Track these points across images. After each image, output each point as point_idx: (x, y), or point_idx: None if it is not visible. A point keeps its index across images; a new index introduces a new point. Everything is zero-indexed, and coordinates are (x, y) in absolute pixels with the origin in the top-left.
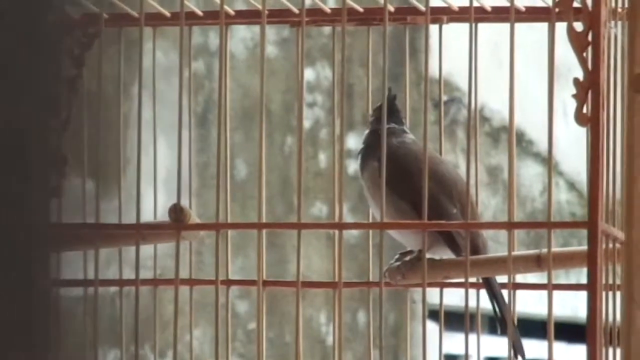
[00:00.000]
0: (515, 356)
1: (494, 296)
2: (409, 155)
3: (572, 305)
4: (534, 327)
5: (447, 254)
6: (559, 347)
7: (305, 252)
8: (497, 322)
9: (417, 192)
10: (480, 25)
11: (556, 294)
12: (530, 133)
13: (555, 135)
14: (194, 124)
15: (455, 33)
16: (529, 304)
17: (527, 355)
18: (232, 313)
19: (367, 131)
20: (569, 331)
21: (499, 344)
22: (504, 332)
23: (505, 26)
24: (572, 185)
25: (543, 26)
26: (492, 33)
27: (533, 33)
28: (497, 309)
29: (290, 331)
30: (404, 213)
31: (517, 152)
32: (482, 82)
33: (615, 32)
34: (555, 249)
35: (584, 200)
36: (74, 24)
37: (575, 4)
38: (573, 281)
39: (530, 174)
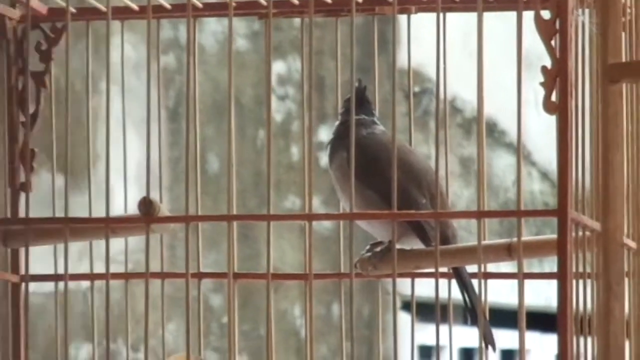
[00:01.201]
0: (486, 346)
1: (464, 286)
2: (377, 145)
3: (545, 295)
4: (507, 317)
5: (417, 245)
6: (533, 336)
7: (278, 244)
8: (467, 313)
9: (385, 182)
10: (452, 16)
11: (530, 283)
12: (502, 123)
13: (526, 125)
14: (165, 118)
15: (426, 23)
16: (502, 293)
17: (500, 346)
18: (206, 306)
19: (337, 123)
20: (542, 321)
21: (472, 335)
22: (474, 323)
23: (475, 15)
24: (544, 175)
25: (512, 15)
26: (463, 23)
27: (503, 22)
28: (467, 299)
29: (264, 324)
30: (372, 203)
31: (489, 142)
32: (454, 73)
33: (582, 20)
34: (526, 237)
35: (556, 189)
36: (41, 19)
37: None
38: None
39: (502, 164)
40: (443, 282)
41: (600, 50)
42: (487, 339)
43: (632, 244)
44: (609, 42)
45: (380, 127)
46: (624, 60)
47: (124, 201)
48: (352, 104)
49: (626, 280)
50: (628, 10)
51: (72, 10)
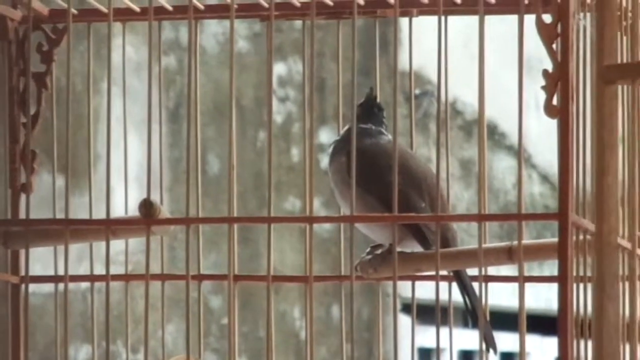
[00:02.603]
0: (487, 349)
1: (465, 289)
2: (377, 150)
3: (545, 298)
4: (508, 320)
5: (417, 247)
6: (533, 339)
7: (278, 246)
8: (468, 315)
9: (384, 187)
10: (453, 18)
11: (530, 286)
12: (502, 126)
13: (527, 128)
14: (165, 119)
15: (427, 26)
16: (502, 296)
17: (501, 348)
18: (206, 308)
19: (345, 127)
20: (542, 324)
21: (472, 337)
22: (475, 325)
23: (477, 19)
24: (545, 178)
25: (514, 18)
26: (464, 26)
27: (505, 25)
28: (467, 302)
29: (264, 326)
30: (371, 207)
31: (490, 145)
32: (455, 76)
33: (584, 24)
34: (526, 241)
35: (556, 192)
36: (43, 20)
37: None
38: (547, 273)
39: (503, 166)
40: (443, 284)
41: (596, 52)
42: (488, 342)
43: (628, 245)
44: (604, 44)
45: (387, 137)
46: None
47: (124, 202)
48: (354, 110)
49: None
50: (629, 14)
51: (74, 11)
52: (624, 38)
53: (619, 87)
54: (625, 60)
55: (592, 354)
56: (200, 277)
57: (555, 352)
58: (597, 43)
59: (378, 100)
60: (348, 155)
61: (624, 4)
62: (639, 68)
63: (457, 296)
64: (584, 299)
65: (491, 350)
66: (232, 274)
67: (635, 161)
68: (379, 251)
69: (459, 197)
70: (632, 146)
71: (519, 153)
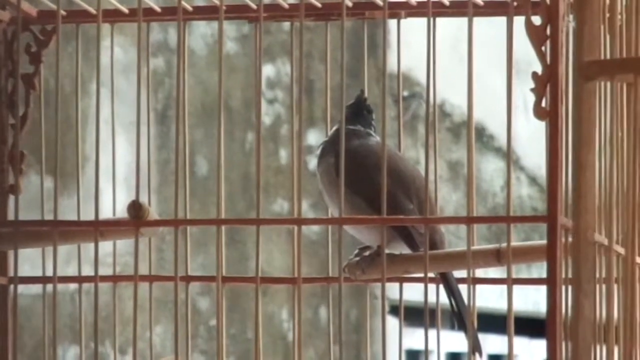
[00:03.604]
0: (473, 352)
1: (452, 292)
2: (365, 152)
3: (533, 300)
4: (496, 322)
5: (406, 249)
6: (521, 342)
7: (266, 248)
8: (455, 318)
9: (372, 188)
10: (441, 20)
11: (518, 289)
12: (491, 128)
13: (516, 130)
14: (154, 120)
15: (416, 28)
16: (490, 299)
17: (489, 350)
18: (194, 310)
19: (334, 128)
20: (531, 326)
21: (460, 340)
22: (460, 328)
23: (466, 21)
24: (533, 180)
25: (503, 21)
26: (453, 28)
27: (493, 28)
28: (454, 305)
29: (252, 327)
30: (359, 209)
31: (478, 147)
32: (443, 78)
33: (573, 26)
34: (515, 243)
35: (545, 194)
36: (31, 21)
37: None
38: (535, 276)
39: (491, 168)
40: (432, 286)
41: (576, 48)
42: (474, 345)
43: (604, 241)
44: (584, 40)
45: (375, 139)
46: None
47: (112, 204)
48: (343, 110)
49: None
50: (619, 16)
51: (62, 12)
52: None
53: (599, 83)
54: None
55: (569, 350)
56: (188, 279)
57: (543, 354)
58: (577, 39)
59: (367, 102)
60: (336, 156)
61: (607, 1)
62: (618, 64)
63: (446, 298)
64: (572, 301)
65: (477, 354)
66: (221, 275)
67: (613, 158)
68: (367, 253)
69: (447, 199)
70: (611, 142)
71: (507, 155)
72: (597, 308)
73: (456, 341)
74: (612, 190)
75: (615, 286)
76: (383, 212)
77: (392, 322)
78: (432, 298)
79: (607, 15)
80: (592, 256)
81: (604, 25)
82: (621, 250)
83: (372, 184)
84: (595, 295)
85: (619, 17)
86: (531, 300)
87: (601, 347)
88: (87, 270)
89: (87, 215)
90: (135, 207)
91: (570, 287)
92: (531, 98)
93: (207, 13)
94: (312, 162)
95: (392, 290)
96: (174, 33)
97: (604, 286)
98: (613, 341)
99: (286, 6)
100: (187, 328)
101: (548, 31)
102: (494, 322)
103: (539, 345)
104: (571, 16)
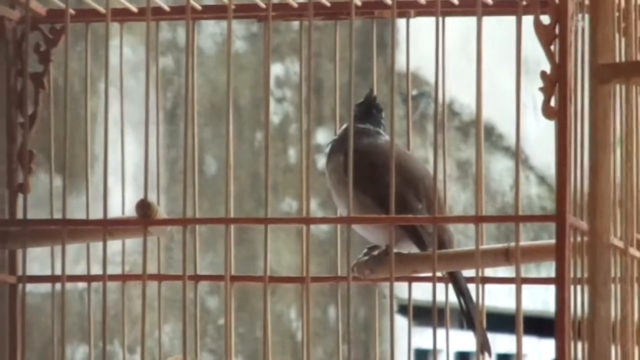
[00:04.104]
0: (482, 352)
1: (460, 291)
2: (374, 150)
3: (542, 300)
4: (505, 322)
5: (414, 249)
6: (530, 341)
7: (275, 247)
8: (463, 317)
9: (381, 187)
10: (450, 19)
11: (527, 288)
12: (500, 127)
13: (525, 130)
14: (163, 119)
15: (425, 27)
16: (499, 298)
17: (498, 350)
18: (203, 309)
19: (343, 127)
20: (539, 325)
21: (469, 339)
22: (469, 327)
23: (475, 20)
24: (542, 180)
25: (512, 20)
26: (462, 27)
27: (502, 27)
28: (463, 304)
29: (260, 326)
30: (367, 208)
31: (487, 146)
32: (452, 77)
33: (582, 25)
34: (523, 242)
35: (554, 194)
36: (40, 20)
37: None
38: (544, 275)
39: (500, 168)
40: (440, 286)
41: (590, 51)
42: (483, 345)
43: (620, 244)
44: (598, 43)
45: (384, 137)
46: None
47: (121, 203)
48: (351, 109)
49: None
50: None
51: (71, 11)
52: (622, 39)
53: (614, 86)
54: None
55: (585, 353)
56: (197, 278)
57: (552, 353)
58: (591, 42)
59: (377, 101)
60: (345, 154)
61: (622, 4)
62: (633, 67)
63: (454, 297)
64: (581, 300)
65: (486, 354)
66: (229, 274)
67: (630, 160)
68: (375, 252)
69: (456, 198)
70: (627, 145)
71: (516, 154)
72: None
73: (465, 340)
74: (628, 192)
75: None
76: (391, 212)
77: (401, 322)
78: (440, 297)
79: (620, 17)
80: (608, 259)
81: (618, 28)
82: (636, 252)
83: (380, 183)
84: (611, 298)
85: (633, 18)
86: (540, 299)
87: (616, 349)
88: (96, 269)
89: (96, 214)
90: (144, 206)
91: (579, 287)
92: (540, 97)
93: (216, 12)
94: (321, 161)
95: (401, 289)
96: (183, 32)
97: (618, 287)
98: (634, 343)
99: (295, 5)
100: (195, 327)
101: (557, 30)
102: (502, 322)
103: (548, 345)
104: (580, 15)
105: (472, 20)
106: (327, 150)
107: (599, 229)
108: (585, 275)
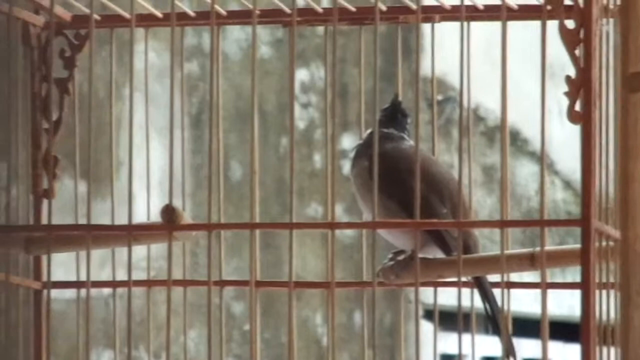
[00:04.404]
0: (507, 357)
1: (486, 296)
2: (399, 156)
3: (568, 304)
4: (531, 327)
5: (439, 254)
6: (555, 346)
7: (300, 252)
8: (489, 322)
9: (406, 192)
10: (475, 24)
11: (553, 293)
12: (525, 132)
13: (550, 134)
14: (188, 125)
15: (449, 32)
16: (525, 303)
17: (524, 355)
18: (228, 314)
19: (368, 132)
20: (565, 330)
21: (494, 344)
22: (494, 332)
23: (499, 25)
24: (567, 184)
25: (536, 24)
26: (486, 32)
27: (527, 31)
28: (488, 309)
29: (285, 332)
30: (392, 212)
31: (512, 151)
32: (477, 82)
33: (607, 30)
34: (549, 247)
35: (579, 199)
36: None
37: (567, 2)
38: (569, 280)
39: (525, 172)
40: (465, 291)
41: (620, 60)
42: (508, 349)
43: None
44: (629, 51)
45: (408, 142)
46: None
47: (146, 208)
48: (376, 114)
49: None
50: None
51: (96, 17)
52: None
53: None
54: None
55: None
56: (222, 283)
57: (577, 359)
58: (622, 51)
59: (402, 106)
60: (370, 159)
61: None
62: None
63: (480, 302)
64: (606, 305)
65: (511, 358)
66: (254, 279)
67: None
68: (401, 257)
69: (482, 203)
70: None
71: (541, 159)
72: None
73: (490, 345)
74: None
75: None
76: (416, 216)
77: (426, 327)
78: (466, 302)
79: None
80: None
81: None
82: None
83: (405, 187)
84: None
85: None
86: (566, 304)
87: None
88: (121, 275)
89: (121, 219)
90: (169, 211)
91: (605, 292)
92: (565, 102)
93: (241, 18)
94: (346, 166)
95: (426, 294)
96: (207, 37)
97: None
98: None
99: (320, 10)
100: (220, 332)
101: (581, 35)
102: (528, 327)
103: (574, 350)
104: (604, 20)
105: (496, 25)
106: (352, 155)
107: (631, 237)
108: (612, 280)
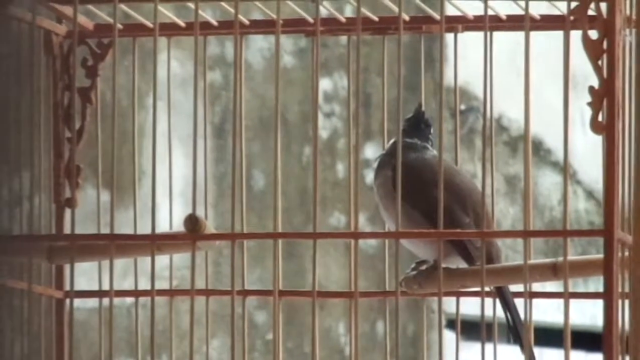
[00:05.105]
0: None
1: (508, 306)
2: (422, 165)
3: (590, 314)
4: (553, 336)
5: (462, 264)
6: (578, 356)
7: (324, 262)
8: (511, 332)
9: (429, 202)
10: (498, 34)
11: (575, 302)
12: (548, 142)
13: (573, 144)
14: (211, 134)
15: (473, 42)
16: (547, 312)
17: None
18: (251, 323)
19: (391, 141)
20: (587, 340)
21: (516, 354)
22: (516, 342)
23: (523, 35)
24: (590, 194)
25: (560, 34)
26: (510, 42)
27: (551, 42)
28: (510, 319)
29: (308, 341)
30: (416, 222)
31: (535, 161)
32: (500, 91)
33: (630, 40)
34: (571, 257)
35: (602, 209)
36: (88, 34)
37: (590, 12)
38: (592, 290)
39: (548, 182)
40: (488, 301)
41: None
42: (530, 359)
43: None
44: None
45: (432, 152)
46: None
47: (169, 218)
48: (400, 124)
49: None
50: None
51: (119, 26)
52: None
53: None
54: None
55: None
56: (245, 293)
57: None
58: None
59: (426, 115)
60: (393, 169)
61: None
62: None
63: (502, 312)
64: (629, 315)
65: None
66: (277, 289)
67: None
68: (424, 267)
69: (504, 213)
70: None
71: (564, 169)
72: None
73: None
74: None
75: None
76: (440, 226)
77: (449, 336)
78: (488, 312)
79: None
80: None
81: None
82: None
83: (428, 197)
84: None
85: None
86: (588, 314)
87: None
88: (144, 284)
89: (144, 228)
90: (192, 221)
91: (627, 301)
92: (588, 112)
93: (264, 27)
94: (369, 176)
95: (449, 304)
96: (231, 47)
97: None
98: None
99: (343, 20)
100: (243, 342)
101: (605, 45)
102: (550, 336)
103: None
104: (628, 30)
105: (520, 35)
106: (375, 164)
107: None
108: (627, 289)
